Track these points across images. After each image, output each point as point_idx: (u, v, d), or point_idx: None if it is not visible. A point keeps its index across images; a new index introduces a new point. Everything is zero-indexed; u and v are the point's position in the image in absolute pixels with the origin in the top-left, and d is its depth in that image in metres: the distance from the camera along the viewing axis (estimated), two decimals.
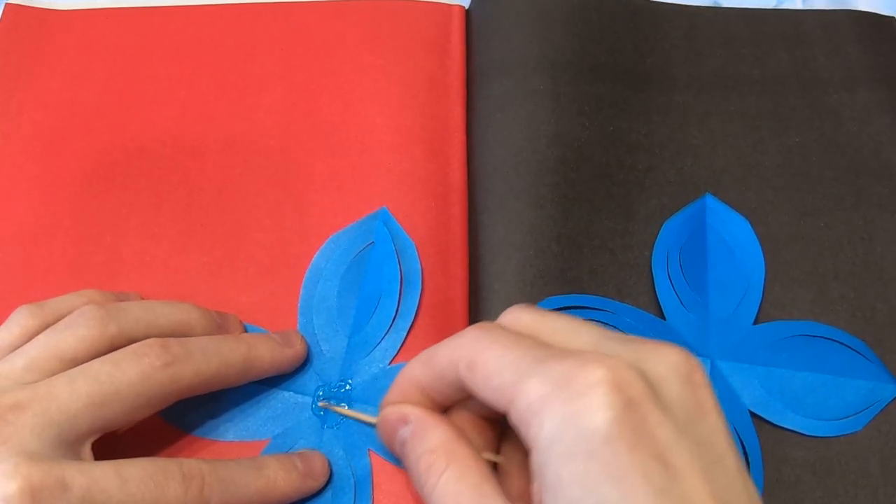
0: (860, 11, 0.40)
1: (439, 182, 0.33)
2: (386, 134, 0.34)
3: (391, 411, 0.24)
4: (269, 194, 0.33)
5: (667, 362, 0.20)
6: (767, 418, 0.28)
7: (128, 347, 0.24)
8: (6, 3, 0.38)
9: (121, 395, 0.23)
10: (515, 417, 0.20)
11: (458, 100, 0.36)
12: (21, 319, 0.25)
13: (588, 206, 0.32)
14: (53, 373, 0.23)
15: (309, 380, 0.28)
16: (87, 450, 0.23)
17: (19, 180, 0.33)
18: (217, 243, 0.31)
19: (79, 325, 0.24)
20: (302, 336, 0.29)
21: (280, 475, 0.25)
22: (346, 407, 0.27)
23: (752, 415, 0.28)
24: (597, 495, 0.18)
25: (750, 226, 0.33)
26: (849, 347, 0.30)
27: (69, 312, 0.25)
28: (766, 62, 0.38)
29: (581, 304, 0.30)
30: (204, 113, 0.35)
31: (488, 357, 0.21)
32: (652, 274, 0.31)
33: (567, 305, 0.30)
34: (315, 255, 0.31)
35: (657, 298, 0.31)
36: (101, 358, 0.23)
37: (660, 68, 0.37)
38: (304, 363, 0.28)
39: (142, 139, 0.34)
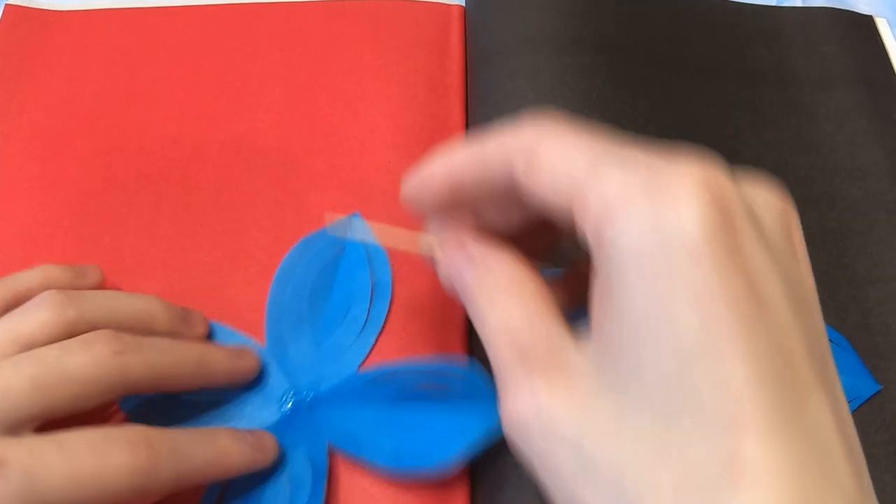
0: (838, 9, 0.40)
1: None
2: (386, 134, 0.34)
3: (453, 248, 0.21)
4: (269, 194, 0.33)
5: (766, 195, 0.18)
6: None
7: (79, 336, 0.23)
8: (6, 4, 0.38)
9: (67, 380, 0.22)
10: (583, 215, 0.17)
11: (458, 100, 0.36)
12: None
13: None
14: (9, 356, 0.23)
15: (276, 384, 0.28)
16: (28, 434, 0.22)
17: (19, 181, 0.33)
18: (216, 243, 0.31)
19: (38, 309, 0.24)
20: (255, 351, 0.28)
21: (232, 446, 0.24)
22: (312, 415, 0.27)
23: None
24: (672, 317, 0.15)
25: None
26: (832, 342, 0.30)
27: (26, 290, 0.25)
28: (744, 54, 0.38)
29: None
30: (203, 113, 0.35)
31: (556, 145, 0.18)
32: None
33: None
34: (284, 258, 0.30)
35: None
36: (51, 344, 0.23)
37: (644, 43, 0.37)
38: (272, 367, 0.28)
39: (141, 139, 0.34)
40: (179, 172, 0.33)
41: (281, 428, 0.27)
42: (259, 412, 0.27)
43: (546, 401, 0.17)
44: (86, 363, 0.22)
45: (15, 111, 0.35)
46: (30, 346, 0.23)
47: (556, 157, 0.18)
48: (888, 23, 0.40)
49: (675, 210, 0.15)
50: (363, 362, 0.28)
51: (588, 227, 0.17)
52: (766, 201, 0.18)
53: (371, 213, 0.32)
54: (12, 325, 0.23)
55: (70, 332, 0.24)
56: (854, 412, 0.28)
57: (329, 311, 0.29)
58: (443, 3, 0.39)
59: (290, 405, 0.27)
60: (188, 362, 0.25)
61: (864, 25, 0.40)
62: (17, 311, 0.24)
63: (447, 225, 0.22)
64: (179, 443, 0.23)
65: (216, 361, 0.26)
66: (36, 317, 0.24)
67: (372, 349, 0.28)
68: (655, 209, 0.16)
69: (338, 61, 0.37)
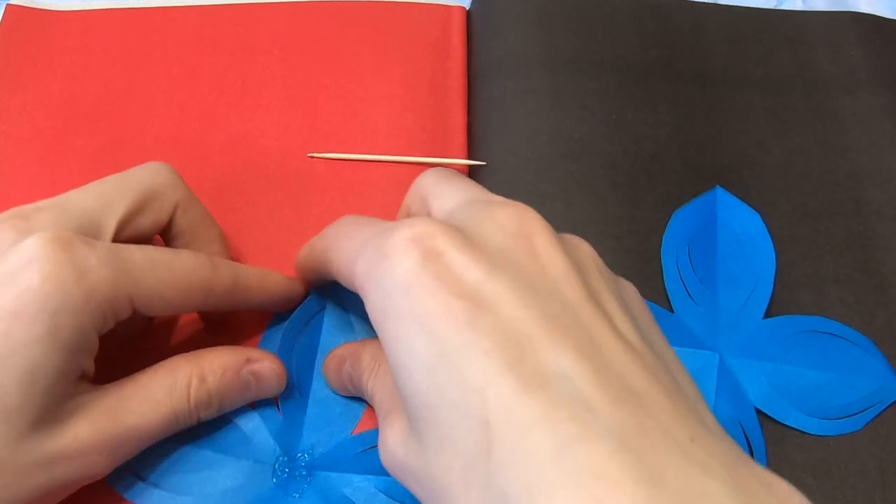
0: (862, 13, 0.40)
1: None
2: (386, 135, 0.34)
3: (328, 359, 0.27)
4: (269, 194, 0.33)
5: (493, 218, 0.20)
6: (772, 415, 0.28)
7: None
8: (7, 5, 0.38)
9: (129, 190, 0.25)
10: (356, 286, 0.21)
11: (459, 101, 0.36)
12: None
13: (591, 195, 0.32)
14: None
15: (269, 449, 0.26)
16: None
17: (20, 181, 0.33)
18: None
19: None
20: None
21: (272, 273, 0.28)
22: (309, 480, 0.26)
23: (757, 412, 0.28)
24: (407, 346, 0.18)
25: (761, 219, 0.32)
26: (857, 346, 0.30)
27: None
28: (769, 62, 0.38)
29: None
30: (204, 113, 0.35)
31: (338, 248, 0.22)
32: (659, 261, 0.31)
33: None
34: (268, 324, 0.29)
35: (664, 285, 0.31)
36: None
37: (665, 60, 0.37)
38: (263, 432, 0.27)
39: (142, 139, 0.34)
40: (179, 172, 0.33)
41: (279, 497, 0.26)
42: (253, 480, 0.26)
43: (391, 440, 0.20)
44: (145, 176, 0.26)
45: (16, 111, 0.35)
46: None
47: (340, 259, 0.22)
48: None
49: (389, 266, 0.19)
50: (357, 425, 0.27)
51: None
52: (494, 224, 0.20)
53: (371, 214, 0.32)
54: None
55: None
56: (880, 415, 0.28)
57: (317, 374, 0.28)
58: (444, 5, 0.39)
59: (286, 471, 0.26)
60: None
61: (889, 29, 0.40)
62: None
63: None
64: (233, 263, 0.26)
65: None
66: None
67: (365, 411, 0.27)
68: (378, 273, 0.19)
69: (338, 62, 0.37)
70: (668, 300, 0.30)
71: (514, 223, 0.20)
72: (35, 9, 0.38)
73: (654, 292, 0.31)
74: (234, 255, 0.31)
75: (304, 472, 0.26)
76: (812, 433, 0.28)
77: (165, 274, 0.23)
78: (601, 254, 0.30)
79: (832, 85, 0.37)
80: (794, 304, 0.31)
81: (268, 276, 0.27)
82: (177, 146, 0.34)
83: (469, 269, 0.18)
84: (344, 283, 0.22)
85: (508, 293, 0.18)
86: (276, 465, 0.26)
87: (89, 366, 0.22)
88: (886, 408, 0.29)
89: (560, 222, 0.31)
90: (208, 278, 0.24)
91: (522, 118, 0.34)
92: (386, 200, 0.33)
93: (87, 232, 0.23)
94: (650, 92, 0.36)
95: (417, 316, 0.18)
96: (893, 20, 0.40)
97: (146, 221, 0.25)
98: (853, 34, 0.39)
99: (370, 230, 0.21)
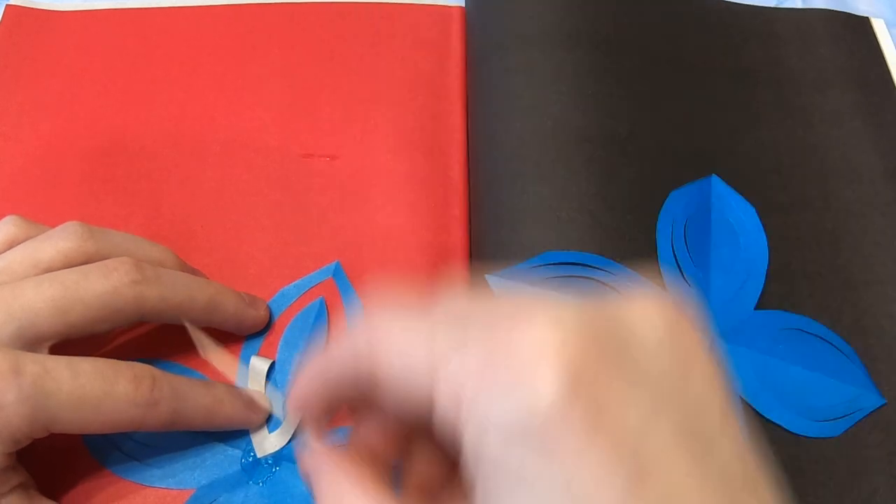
0: (833, 11, 0.40)
1: (439, 182, 0.34)
2: (386, 135, 0.35)
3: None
4: (269, 194, 0.33)
5: (647, 317, 0.15)
6: (757, 408, 0.28)
7: (100, 262, 0.24)
8: (7, 5, 0.38)
9: (85, 304, 0.23)
10: (439, 407, 0.15)
11: (458, 100, 0.36)
12: (8, 228, 0.26)
13: (564, 170, 0.32)
14: (29, 277, 0.23)
15: (242, 434, 0.27)
16: (44, 352, 0.23)
17: (20, 181, 0.33)
18: (217, 244, 0.31)
19: (59, 238, 0.24)
20: (267, 304, 0.29)
21: (226, 398, 0.25)
22: (274, 470, 0.26)
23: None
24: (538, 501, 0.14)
25: (755, 212, 0.32)
26: (840, 352, 0.30)
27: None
28: (739, 54, 0.38)
29: (579, 261, 0.29)
30: (204, 113, 0.35)
31: (399, 343, 0.16)
32: (632, 238, 0.31)
33: (564, 261, 0.29)
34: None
35: (636, 263, 0.30)
36: (72, 268, 0.24)
37: (639, 40, 0.37)
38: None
39: (142, 139, 0.34)
40: (180, 172, 0.33)
41: (242, 481, 0.26)
42: (221, 462, 0.26)
43: None
44: (104, 289, 0.23)
45: (15, 112, 0.35)
46: (47, 270, 0.24)
47: (398, 345, 0.16)
48: (885, 23, 0.40)
49: (521, 392, 0.14)
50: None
51: (447, 417, 0.15)
52: (645, 319, 0.15)
53: (371, 214, 0.32)
54: (32, 249, 0.24)
55: (87, 263, 0.24)
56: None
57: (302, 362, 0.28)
58: (443, 6, 0.39)
59: (252, 457, 0.26)
60: (200, 299, 0.26)
61: (860, 27, 0.39)
62: (39, 237, 0.25)
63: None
64: (180, 385, 0.24)
65: (226, 303, 0.27)
66: (55, 244, 0.24)
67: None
68: (494, 395, 0.14)
69: (338, 62, 0.37)
70: (662, 278, 0.30)
71: (663, 321, 0.15)
72: (35, 9, 0.38)
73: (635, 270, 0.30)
74: (233, 256, 0.31)
75: (270, 461, 0.26)
76: (792, 431, 0.28)
77: (90, 413, 0.22)
78: (573, 230, 0.29)
79: (802, 81, 0.37)
80: (766, 297, 0.31)
81: (219, 408, 0.25)
82: (177, 146, 0.34)
83: (630, 407, 0.14)
84: (397, 402, 0.16)
85: (674, 449, 0.14)
86: (244, 450, 0.27)
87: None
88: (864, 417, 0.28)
89: (531, 199, 0.31)
90: (139, 416, 0.23)
91: (500, 100, 0.34)
92: (385, 200, 0.33)
93: (27, 335, 0.22)
94: (625, 69, 0.35)
95: (559, 463, 0.13)
96: (864, 17, 0.40)
97: (103, 327, 0.24)
98: (823, 32, 0.39)
99: (452, 316, 0.16)
